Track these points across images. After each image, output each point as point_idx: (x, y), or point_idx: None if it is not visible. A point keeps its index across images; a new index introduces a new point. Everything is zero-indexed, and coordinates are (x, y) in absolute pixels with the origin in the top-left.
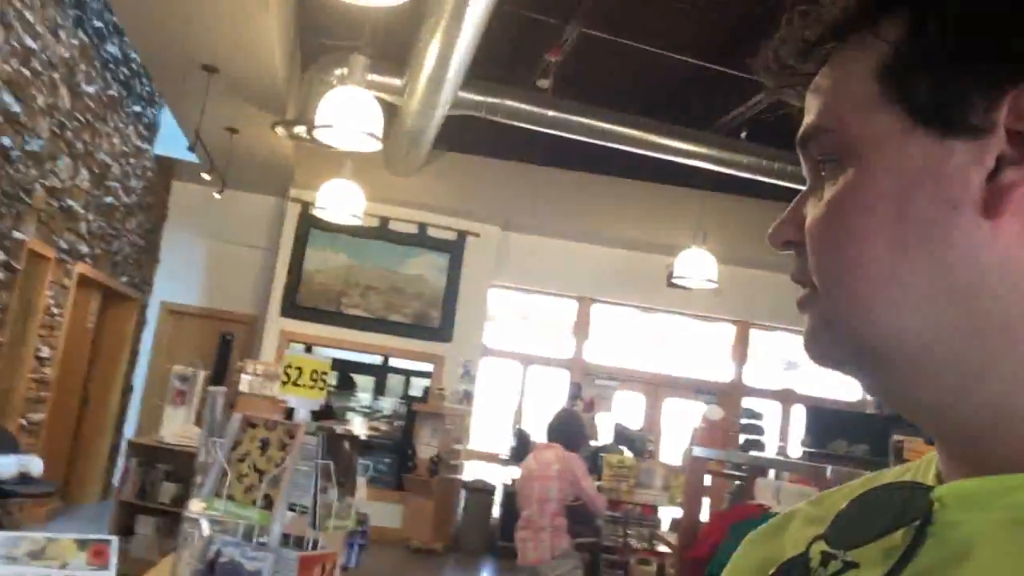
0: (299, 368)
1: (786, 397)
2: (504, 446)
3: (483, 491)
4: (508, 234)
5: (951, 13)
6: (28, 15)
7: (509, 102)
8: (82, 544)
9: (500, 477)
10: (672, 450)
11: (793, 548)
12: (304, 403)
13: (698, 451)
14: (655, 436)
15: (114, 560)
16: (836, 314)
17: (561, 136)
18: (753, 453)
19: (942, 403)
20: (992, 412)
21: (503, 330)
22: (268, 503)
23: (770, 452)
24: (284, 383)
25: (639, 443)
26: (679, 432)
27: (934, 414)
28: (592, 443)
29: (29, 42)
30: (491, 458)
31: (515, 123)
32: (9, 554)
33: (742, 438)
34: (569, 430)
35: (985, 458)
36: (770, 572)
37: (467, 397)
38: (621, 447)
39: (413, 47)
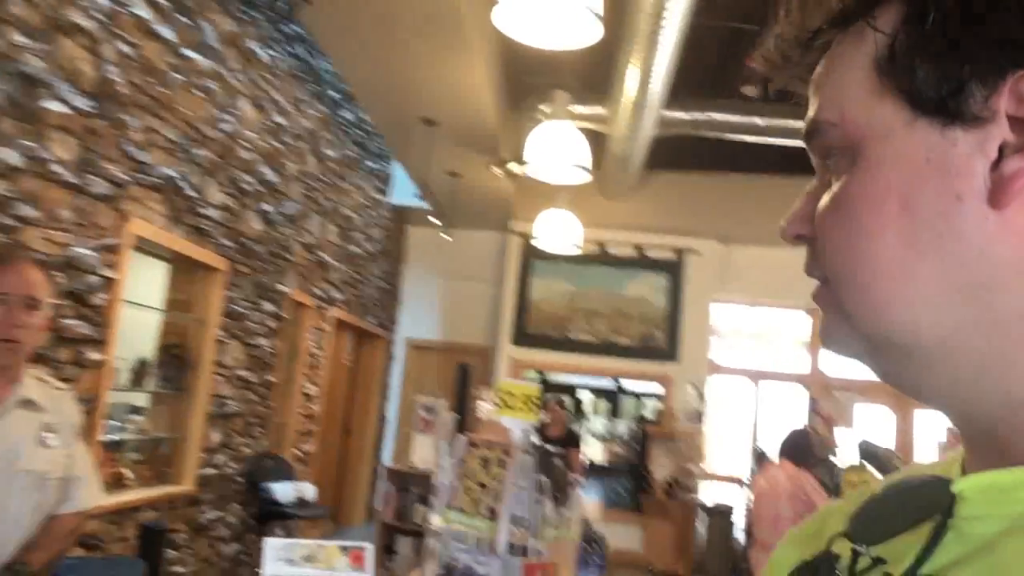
0: (511, 393)
1: None
2: (744, 467)
3: (724, 513)
4: (729, 248)
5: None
6: (275, 95)
7: (715, 115)
8: (344, 550)
9: (741, 499)
10: None
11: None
12: (518, 424)
13: None
14: (906, 453)
15: (370, 563)
16: (851, 308)
17: (775, 143)
18: None
19: (961, 395)
20: (1012, 404)
21: (732, 347)
22: (492, 514)
23: None
24: (499, 407)
25: (884, 460)
26: (934, 449)
27: (954, 406)
28: (833, 460)
29: (278, 119)
30: (731, 480)
31: (724, 135)
32: (288, 557)
33: None
34: (798, 447)
35: (1006, 450)
36: (791, 568)
37: (699, 417)
38: (864, 464)
39: (613, 75)
